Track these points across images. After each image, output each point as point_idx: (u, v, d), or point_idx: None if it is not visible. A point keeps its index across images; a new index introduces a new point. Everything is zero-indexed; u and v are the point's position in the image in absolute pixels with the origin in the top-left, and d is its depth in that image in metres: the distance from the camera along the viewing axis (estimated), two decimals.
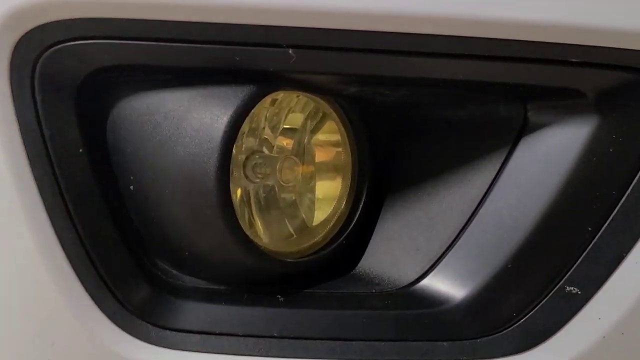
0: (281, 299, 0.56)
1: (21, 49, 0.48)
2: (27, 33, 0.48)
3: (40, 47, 0.48)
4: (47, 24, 0.48)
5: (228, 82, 0.51)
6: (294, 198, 0.63)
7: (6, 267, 0.52)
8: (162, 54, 0.50)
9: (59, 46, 0.49)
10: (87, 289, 0.52)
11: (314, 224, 0.63)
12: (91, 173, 0.52)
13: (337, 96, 0.60)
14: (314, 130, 0.63)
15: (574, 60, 0.51)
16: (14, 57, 0.48)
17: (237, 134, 0.50)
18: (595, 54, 0.50)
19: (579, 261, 0.55)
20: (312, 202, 0.64)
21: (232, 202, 0.51)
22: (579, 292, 0.55)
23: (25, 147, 0.50)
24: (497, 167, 0.57)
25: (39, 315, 0.52)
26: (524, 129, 0.57)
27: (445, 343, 0.55)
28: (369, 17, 0.47)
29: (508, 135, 0.57)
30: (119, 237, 0.54)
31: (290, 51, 0.49)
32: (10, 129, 0.49)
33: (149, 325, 0.53)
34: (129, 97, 0.53)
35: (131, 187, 0.54)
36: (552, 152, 0.55)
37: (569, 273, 0.55)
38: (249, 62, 0.50)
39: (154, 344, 0.53)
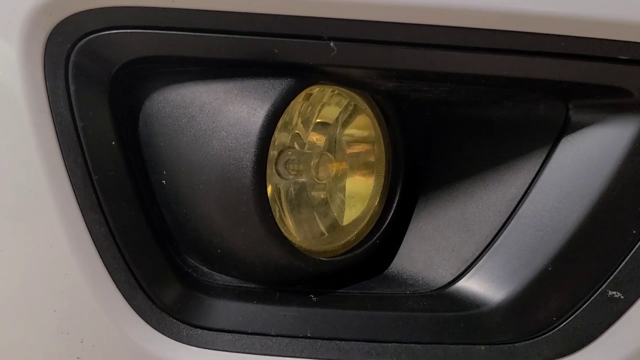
0: (314, 299, 0.55)
1: (56, 37, 0.47)
2: (62, 22, 0.47)
3: (75, 36, 0.47)
4: (83, 12, 0.47)
5: (265, 75, 0.50)
6: (325, 196, 0.62)
7: (37, 262, 0.50)
8: (198, 45, 0.48)
9: (94, 35, 0.48)
10: (117, 286, 0.50)
11: (347, 222, 0.62)
12: (123, 166, 0.51)
13: (374, 91, 0.59)
14: (347, 126, 0.61)
15: (622, 57, 0.49)
16: (49, 46, 0.47)
17: (275, 128, 0.49)
18: None
19: (622, 265, 0.53)
20: (344, 200, 0.62)
21: (267, 199, 0.50)
22: (622, 297, 0.53)
23: (58, 138, 0.49)
24: (537, 167, 0.56)
25: (69, 311, 0.51)
26: (566, 128, 0.55)
27: (482, 347, 0.54)
28: (412, 9, 0.46)
29: (549, 135, 0.56)
30: (150, 232, 0.52)
31: (332, 44, 0.48)
32: (43, 120, 0.48)
33: (180, 323, 0.52)
34: (163, 89, 0.52)
35: (163, 181, 0.52)
36: (594, 152, 0.54)
37: (611, 277, 0.53)
38: (289, 55, 0.49)
39: (184, 343, 0.52)
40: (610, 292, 0.53)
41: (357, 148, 0.62)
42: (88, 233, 0.50)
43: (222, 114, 0.50)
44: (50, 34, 0.47)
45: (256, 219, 0.49)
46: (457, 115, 0.61)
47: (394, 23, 0.47)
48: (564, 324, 0.54)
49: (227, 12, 0.46)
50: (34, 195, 0.49)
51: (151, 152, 0.52)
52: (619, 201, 0.53)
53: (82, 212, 0.49)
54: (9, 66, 0.47)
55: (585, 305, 0.54)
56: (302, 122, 0.59)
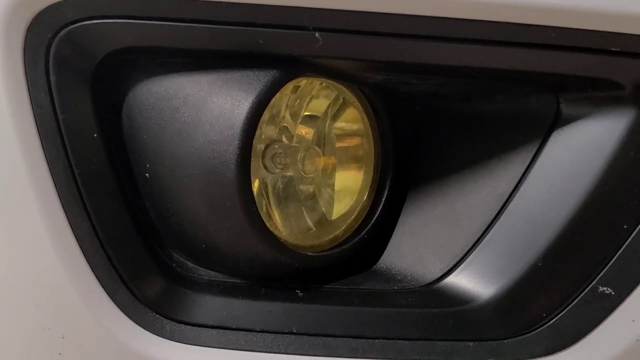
0: (300, 294, 0.54)
1: (36, 27, 0.46)
2: (42, 11, 0.46)
3: (55, 27, 0.46)
4: (63, 1, 0.46)
5: (250, 67, 0.49)
6: (313, 190, 0.61)
7: (17, 257, 0.50)
8: (182, 36, 0.47)
9: (75, 25, 0.47)
10: (100, 281, 0.50)
11: (334, 217, 0.61)
12: (106, 159, 0.50)
13: (362, 84, 0.58)
14: (336, 120, 0.60)
15: (613, 49, 0.48)
16: (29, 37, 0.46)
17: (259, 120, 0.48)
18: (636, 43, 0.47)
19: (612, 260, 0.52)
20: (332, 194, 0.61)
21: (252, 192, 0.49)
22: (613, 293, 0.52)
23: (39, 131, 0.48)
24: (527, 162, 0.55)
25: (50, 307, 0.50)
26: (556, 122, 0.54)
27: (471, 343, 0.53)
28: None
29: (539, 129, 0.55)
30: (133, 227, 0.51)
31: (317, 34, 0.47)
32: (23, 112, 0.47)
33: (163, 318, 0.51)
34: (146, 80, 0.51)
35: (147, 175, 0.51)
36: (585, 146, 0.53)
37: (602, 273, 0.53)
38: (273, 46, 0.48)
39: (168, 338, 0.51)
40: (600, 288, 0.53)
41: (345, 142, 0.61)
42: (69, 227, 0.49)
43: (206, 106, 0.49)
44: (31, 23, 0.46)
45: (241, 213, 0.49)
46: (447, 109, 0.61)
47: (381, 13, 0.46)
48: (554, 320, 0.53)
49: (212, 1, 0.45)
50: (14, 189, 0.48)
51: (134, 145, 0.51)
52: (610, 196, 0.52)
53: (63, 206, 0.48)
54: None
55: (576, 301, 0.53)
56: (290, 115, 0.58)
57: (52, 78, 0.47)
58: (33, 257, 0.49)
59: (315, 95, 0.59)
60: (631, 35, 0.47)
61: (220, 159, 0.48)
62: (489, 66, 0.50)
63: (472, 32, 0.47)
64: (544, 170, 0.54)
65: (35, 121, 0.47)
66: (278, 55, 0.49)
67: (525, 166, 0.55)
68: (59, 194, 0.48)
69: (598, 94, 0.52)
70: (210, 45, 0.48)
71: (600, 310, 0.53)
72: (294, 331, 0.52)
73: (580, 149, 0.53)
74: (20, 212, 0.49)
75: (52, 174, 0.48)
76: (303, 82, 0.56)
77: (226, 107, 0.48)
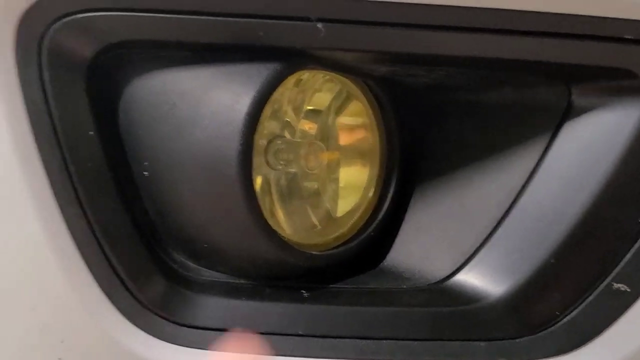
0: (306, 295, 0.53)
1: (28, 20, 0.44)
2: (34, 4, 0.44)
3: (48, 19, 0.45)
4: None
5: (250, 60, 0.47)
6: (317, 186, 0.59)
7: (13, 258, 0.48)
8: (180, 28, 0.46)
9: (69, 18, 0.45)
10: (98, 282, 0.48)
11: (340, 214, 0.59)
12: (103, 157, 0.48)
13: (367, 76, 0.56)
14: (340, 113, 0.59)
15: (627, 37, 0.47)
16: (20, 30, 0.44)
17: (261, 115, 0.47)
18: None
19: (628, 256, 0.51)
20: (337, 190, 0.60)
21: (254, 190, 0.47)
22: (628, 290, 0.51)
23: (33, 128, 0.46)
24: (538, 155, 0.53)
25: (48, 310, 0.49)
26: (568, 114, 0.52)
27: (482, 343, 0.52)
28: None
29: (550, 120, 0.53)
30: (132, 226, 0.50)
31: (319, 25, 0.45)
32: (16, 109, 0.45)
33: (164, 321, 0.50)
34: (143, 75, 0.49)
35: (145, 173, 0.50)
36: (598, 138, 0.51)
37: (617, 269, 0.51)
38: (274, 38, 0.46)
39: (169, 341, 0.50)
40: (615, 284, 0.51)
41: (350, 136, 0.60)
42: (66, 228, 0.47)
43: (205, 101, 0.47)
44: (22, 17, 0.44)
45: (243, 212, 0.47)
46: (455, 101, 0.59)
47: (385, 2, 0.44)
48: (567, 318, 0.52)
49: None
50: (8, 190, 0.46)
51: (132, 142, 0.50)
52: (624, 189, 0.50)
53: (59, 206, 0.47)
54: None
55: (590, 299, 0.52)
56: (292, 110, 0.57)
57: (46, 74, 0.46)
58: (29, 260, 0.48)
59: (318, 89, 0.57)
60: None
61: (221, 155, 0.46)
62: (498, 56, 0.48)
63: (481, 21, 0.46)
64: (555, 163, 0.53)
65: (29, 119, 0.46)
66: (279, 48, 0.47)
67: (537, 159, 0.54)
68: (54, 194, 0.47)
69: (611, 84, 0.50)
70: (208, 38, 0.46)
71: (615, 308, 0.51)
72: (300, 333, 0.50)
73: (593, 141, 0.51)
74: (15, 214, 0.47)
75: (47, 174, 0.47)
76: (305, 75, 0.55)
77: (226, 102, 0.47)
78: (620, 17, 0.46)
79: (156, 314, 0.50)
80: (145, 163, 0.50)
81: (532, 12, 0.46)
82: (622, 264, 0.51)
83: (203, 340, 0.50)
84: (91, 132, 0.48)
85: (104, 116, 0.49)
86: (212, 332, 0.50)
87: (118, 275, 0.49)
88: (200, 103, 0.47)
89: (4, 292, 0.49)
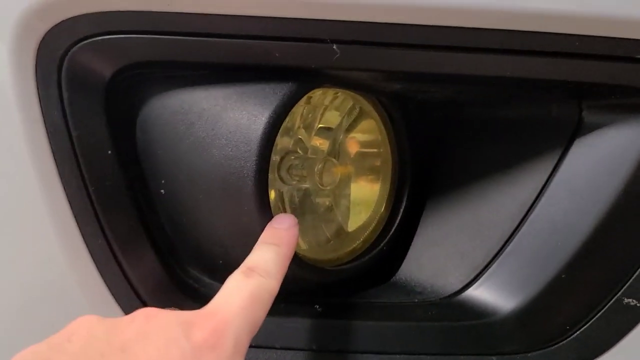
0: (319, 309, 0.53)
1: (48, 43, 0.45)
2: (54, 26, 0.45)
3: (68, 42, 0.45)
4: (76, 16, 0.44)
5: (266, 80, 0.48)
6: (330, 202, 0.60)
7: (33, 276, 0.49)
8: (196, 49, 0.46)
9: (88, 41, 0.46)
10: (116, 299, 0.49)
11: (352, 229, 0.60)
12: (120, 176, 0.49)
13: (379, 93, 0.57)
14: (352, 130, 0.59)
15: (637, 56, 0.47)
16: (41, 52, 0.45)
17: (277, 135, 0.47)
18: None
19: (638, 271, 0.51)
20: (349, 206, 0.60)
21: (270, 208, 0.48)
22: (638, 305, 0.51)
23: (52, 147, 0.47)
24: (550, 170, 0.54)
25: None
26: (579, 130, 0.53)
27: (493, 357, 0.52)
28: (417, 10, 0.44)
29: (561, 136, 0.53)
30: (149, 244, 0.51)
31: (334, 47, 0.46)
32: (36, 129, 0.46)
33: None
34: (161, 95, 0.50)
35: (162, 190, 0.51)
36: (609, 154, 0.51)
37: (627, 284, 0.51)
38: (290, 58, 0.46)
39: None
40: (626, 299, 0.51)
41: (362, 152, 0.60)
42: (85, 246, 0.48)
43: (222, 120, 0.48)
44: (42, 40, 0.45)
45: (259, 230, 0.48)
46: (466, 116, 0.59)
47: (399, 24, 0.44)
48: (578, 332, 0.52)
49: (226, 15, 0.44)
50: (28, 208, 0.47)
51: (149, 160, 0.50)
52: (635, 204, 0.51)
53: (78, 224, 0.48)
54: (1, 74, 0.45)
55: (600, 313, 0.52)
56: (304, 126, 0.57)
57: (65, 95, 0.46)
58: (49, 277, 0.48)
59: (330, 105, 0.58)
60: None
61: (237, 174, 0.47)
62: (511, 75, 0.48)
63: (492, 42, 0.46)
64: (566, 178, 0.53)
65: (49, 139, 0.47)
66: (294, 68, 0.47)
67: (548, 174, 0.54)
68: (73, 212, 0.48)
69: (621, 101, 0.51)
70: (225, 58, 0.47)
71: (625, 323, 0.52)
72: (314, 348, 0.51)
73: (603, 157, 0.52)
74: (35, 232, 0.48)
75: (66, 193, 0.47)
76: (318, 92, 0.55)
77: (242, 122, 0.47)
78: (631, 37, 0.46)
79: None
80: (162, 181, 0.50)
81: (543, 33, 0.46)
82: (632, 279, 0.51)
83: None
84: (109, 151, 0.49)
85: (121, 135, 0.50)
86: None
87: (135, 291, 0.50)
88: (217, 122, 0.48)
89: (24, 309, 0.50)
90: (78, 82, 0.47)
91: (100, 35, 0.46)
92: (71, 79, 0.46)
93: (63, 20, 0.45)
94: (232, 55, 0.46)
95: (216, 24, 0.45)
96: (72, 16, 0.45)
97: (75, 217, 0.48)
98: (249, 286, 0.40)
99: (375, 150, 0.59)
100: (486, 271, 0.55)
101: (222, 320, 0.37)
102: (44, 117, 0.46)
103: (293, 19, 0.44)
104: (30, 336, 0.51)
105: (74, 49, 0.46)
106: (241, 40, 0.46)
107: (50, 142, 0.47)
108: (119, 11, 0.45)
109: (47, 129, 0.47)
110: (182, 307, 0.51)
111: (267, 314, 0.52)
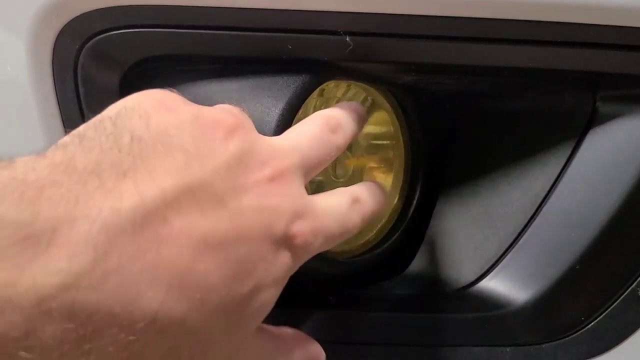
0: (333, 301, 0.53)
1: (64, 38, 0.45)
2: (70, 22, 0.45)
3: (83, 37, 0.46)
4: (91, 12, 0.45)
5: (279, 72, 0.48)
6: None
7: None
8: (210, 43, 0.47)
9: (103, 35, 0.46)
10: None
11: None
12: None
13: (391, 85, 0.57)
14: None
15: None
16: (57, 47, 0.46)
17: (290, 127, 0.47)
18: None
19: None
20: None
21: None
22: None
23: None
24: (563, 161, 0.54)
25: None
26: (593, 120, 0.53)
27: (507, 349, 0.52)
28: (429, 1, 0.44)
29: (575, 127, 0.53)
30: None
31: (348, 38, 0.46)
32: (53, 124, 0.47)
33: None
34: (175, 88, 0.48)
35: None
36: (623, 144, 0.51)
37: None
38: (303, 51, 0.47)
39: None
40: None
41: (375, 144, 0.60)
42: None
43: None
44: (58, 35, 0.45)
45: None
46: (479, 107, 0.59)
47: (412, 15, 0.45)
48: (592, 324, 0.52)
49: (239, 8, 0.44)
50: None
51: None
52: None
53: None
54: (18, 69, 0.46)
55: (615, 304, 0.52)
56: None
57: (81, 90, 0.47)
58: None
59: (342, 98, 0.58)
60: None
61: None
62: (525, 65, 0.48)
63: (506, 32, 0.46)
64: (580, 170, 0.53)
65: (66, 134, 0.47)
66: (307, 60, 0.48)
67: (561, 166, 0.54)
68: None
69: (636, 92, 0.51)
70: (238, 52, 0.47)
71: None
72: (327, 339, 0.51)
73: (617, 148, 0.52)
74: None
75: None
76: (331, 84, 0.55)
77: (256, 114, 0.47)
78: None
79: None
80: None
81: (557, 23, 0.46)
82: None
83: None
84: None
85: None
86: None
87: None
88: None
89: None
90: (94, 77, 0.47)
91: (114, 30, 0.46)
92: (87, 74, 0.47)
93: (78, 16, 0.45)
94: (245, 48, 0.47)
95: (230, 17, 0.45)
96: (86, 11, 0.45)
97: None
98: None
99: (388, 142, 0.59)
100: (500, 263, 0.55)
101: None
102: (60, 112, 0.47)
103: (306, 11, 0.45)
104: None
105: (89, 44, 0.46)
106: (255, 33, 0.46)
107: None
108: (133, 5, 0.45)
109: (64, 124, 0.47)
110: None
111: (280, 306, 0.53)
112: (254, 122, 0.47)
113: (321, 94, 0.57)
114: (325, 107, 0.57)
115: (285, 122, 0.47)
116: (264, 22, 0.45)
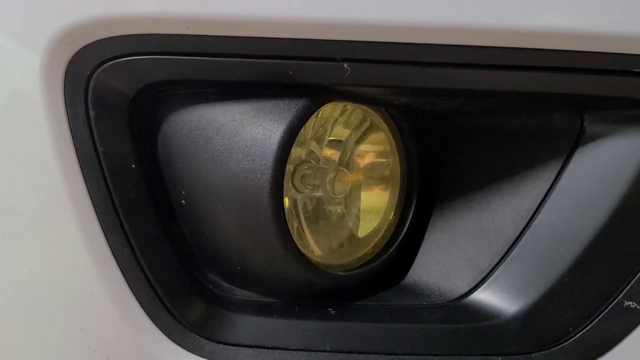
0: (332, 312, 0.56)
1: (75, 65, 0.48)
2: (80, 50, 0.47)
3: (93, 64, 0.48)
4: (100, 40, 0.47)
5: (280, 96, 0.51)
6: (341, 209, 0.62)
7: (64, 283, 0.52)
8: (214, 69, 0.49)
9: (112, 62, 0.48)
10: (141, 304, 0.52)
11: (363, 235, 0.62)
12: (144, 188, 0.52)
13: (387, 105, 0.59)
14: (361, 141, 0.62)
15: (636, 70, 0.49)
16: (68, 74, 0.48)
17: (291, 149, 0.50)
18: None
19: (638, 275, 0.53)
20: (359, 213, 0.63)
21: (285, 218, 0.50)
22: (638, 307, 0.53)
23: (80, 162, 0.50)
24: (552, 178, 0.56)
25: (96, 330, 0.52)
26: (580, 139, 0.55)
27: (499, 358, 0.54)
28: (423, 30, 0.46)
29: (563, 145, 0.56)
30: (171, 252, 0.53)
31: (345, 65, 0.48)
32: (65, 145, 0.49)
33: (202, 339, 0.53)
34: (181, 111, 0.52)
35: (183, 201, 0.53)
36: (609, 163, 0.54)
37: (627, 287, 0.54)
38: (303, 76, 0.49)
39: (207, 358, 0.53)
40: (626, 302, 0.54)
41: (372, 161, 0.62)
42: (111, 254, 0.51)
43: (239, 135, 0.50)
44: (70, 62, 0.48)
45: (274, 238, 0.50)
46: (472, 126, 0.61)
47: (406, 43, 0.47)
48: (579, 334, 0.54)
49: (242, 37, 0.47)
50: (59, 219, 0.50)
51: (170, 173, 0.53)
52: (634, 211, 0.53)
53: (105, 234, 0.51)
54: (31, 94, 0.48)
55: (601, 315, 0.54)
56: (315, 139, 0.60)
57: (91, 113, 0.49)
58: (78, 284, 0.51)
59: (340, 118, 0.60)
60: None
61: (254, 186, 0.49)
62: (515, 89, 0.51)
63: (495, 59, 0.48)
64: (568, 186, 0.55)
65: (77, 154, 0.49)
66: (307, 85, 0.50)
67: (550, 182, 0.56)
68: (100, 223, 0.50)
69: (622, 113, 0.53)
70: (240, 77, 0.49)
71: (625, 324, 0.54)
72: (328, 349, 0.53)
73: (604, 166, 0.54)
74: (65, 241, 0.51)
75: (93, 204, 0.50)
76: (328, 106, 0.57)
77: (258, 136, 0.50)
78: (629, 52, 0.48)
79: (195, 332, 0.53)
80: (183, 192, 0.53)
81: (545, 50, 0.48)
82: (632, 282, 0.53)
83: (239, 357, 0.53)
84: (133, 165, 0.51)
85: (144, 150, 0.53)
86: (247, 349, 0.53)
87: (159, 298, 0.52)
88: (234, 137, 0.50)
89: (55, 314, 0.53)
90: (103, 101, 0.50)
91: (123, 57, 0.48)
92: (97, 98, 0.49)
93: (88, 44, 0.47)
94: (248, 74, 0.49)
95: (233, 45, 0.47)
96: (96, 40, 0.47)
97: (102, 227, 0.50)
98: None
99: (384, 160, 0.62)
100: (491, 275, 0.57)
101: None
102: (72, 134, 0.49)
103: (306, 40, 0.47)
104: (60, 338, 0.54)
105: (99, 70, 0.48)
106: (257, 60, 0.48)
107: (78, 157, 0.50)
108: (140, 34, 0.47)
109: (75, 145, 0.49)
110: (202, 312, 0.54)
111: (283, 317, 0.55)
112: (256, 144, 0.50)
113: (318, 115, 0.59)
114: (323, 128, 0.60)
115: (286, 144, 0.49)
116: (266, 50, 0.47)
